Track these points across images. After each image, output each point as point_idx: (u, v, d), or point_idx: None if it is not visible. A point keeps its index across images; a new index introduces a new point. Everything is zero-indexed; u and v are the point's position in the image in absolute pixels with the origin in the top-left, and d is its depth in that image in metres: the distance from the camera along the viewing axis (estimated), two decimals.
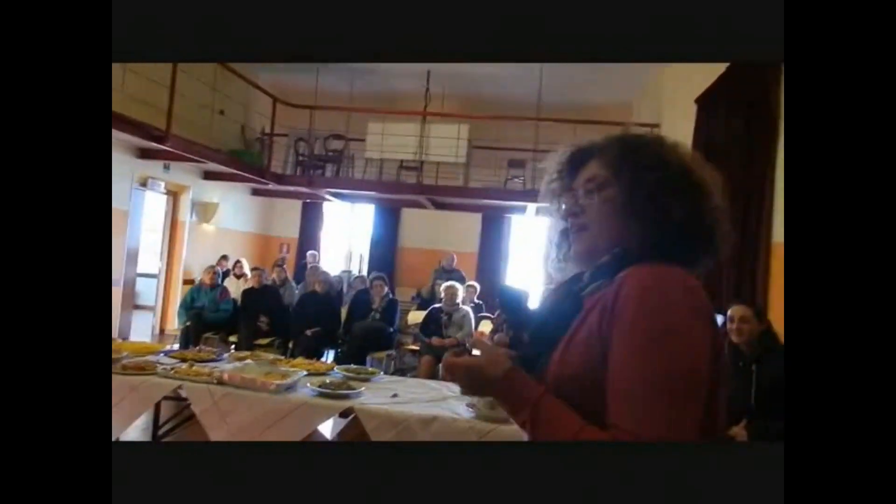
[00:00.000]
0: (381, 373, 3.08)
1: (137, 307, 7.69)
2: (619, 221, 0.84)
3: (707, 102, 5.03)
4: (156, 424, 2.89)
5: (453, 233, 9.13)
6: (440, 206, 8.50)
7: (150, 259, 7.96)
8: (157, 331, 7.52)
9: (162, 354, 2.96)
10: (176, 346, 4.96)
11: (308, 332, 5.23)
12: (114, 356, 2.70)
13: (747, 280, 3.80)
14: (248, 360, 2.93)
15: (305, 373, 2.73)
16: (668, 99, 6.77)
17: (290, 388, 2.52)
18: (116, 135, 5.61)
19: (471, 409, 2.41)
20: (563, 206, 0.92)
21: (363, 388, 2.58)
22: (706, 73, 4.90)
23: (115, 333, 6.23)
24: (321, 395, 2.47)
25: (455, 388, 2.85)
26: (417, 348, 5.39)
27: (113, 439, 2.59)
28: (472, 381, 0.84)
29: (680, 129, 5.73)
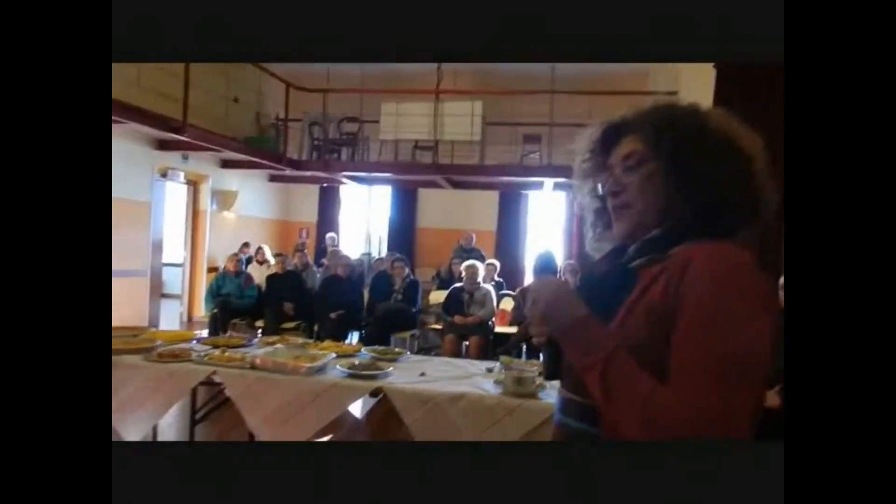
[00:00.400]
0: (408, 353, 3.13)
1: (165, 296, 7.88)
2: (664, 196, 0.83)
3: (726, 65, 4.92)
4: (193, 408, 3.00)
5: (471, 211, 9.13)
6: (457, 184, 8.48)
7: (174, 248, 8.12)
8: (185, 318, 7.70)
9: (194, 342, 3.04)
10: (205, 333, 5.10)
11: (332, 315, 5.33)
12: (149, 345, 2.79)
13: (772, 245, 3.77)
14: (278, 345, 3.01)
15: (335, 355, 2.79)
16: (686, 65, 6.63)
17: (320, 370, 2.59)
18: (135, 127, 5.69)
19: (497, 386, 2.45)
20: (601, 186, 0.91)
21: (391, 368, 2.64)
22: None
23: (145, 322, 6.40)
24: (351, 376, 2.53)
25: (481, 366, 2.89)
26: (440, 327, 5.46)
27: (153, 424, 2.69)
28: (554, 307, 0.80)
29: (698, 95, 5.62)
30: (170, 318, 7.38)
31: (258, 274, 6.58)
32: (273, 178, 9.14)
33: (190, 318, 7.67)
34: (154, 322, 6.77)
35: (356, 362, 2.69)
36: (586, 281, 0.97)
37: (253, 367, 2.57)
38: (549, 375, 0.93)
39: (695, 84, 6.03)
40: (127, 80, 5.55)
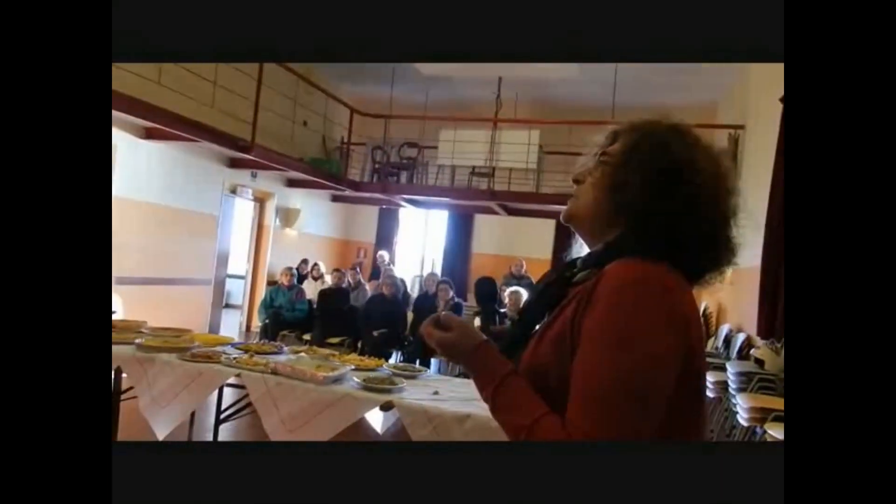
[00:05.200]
0: (428, 370, 3.16)
1: (228, 306, 8.31)
2: (605, 198, 0.84)
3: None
4: (219, 408, 3.16)
5: (526, 239, 9.08)
6: (512, 211, 8.50)
7: (238, 261, 8.58)
8: (244, 328, 8.07)
9: (230, 346, 3.21)
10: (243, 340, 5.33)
11: (375, 333, 5.43)
12: (186, 345, 2.97)
13: None
14: (302, 354, 3.12)
15: (353, 367, 2.86)
16: (754, 100, 6.40)
17: (336, 380, 2.66)
18: (209, 146, 6.13)
19: None
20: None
21: (404, 384, 2.67)
22: None
23: (205, 329, 6.77)
24: (364, 388, 2.59)
25: None
26: None
27: (182, 419, 2.85)
28: (446, 351, 0.88)
29: (766, 130, 5.41)
30: (230, 327, 7.75)
31: (312, 289, 6.82)
32: (335, 199, 9.51)
33: (248, 328, 8.02)
34: (214, 329, 7.14)
35: (372, 376, 2.75)
36: (531, 293, 0.98)
37: (274, 372, 2.68)
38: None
39: (762, 117, 5.80)
40: (201, 101, 5.99)
